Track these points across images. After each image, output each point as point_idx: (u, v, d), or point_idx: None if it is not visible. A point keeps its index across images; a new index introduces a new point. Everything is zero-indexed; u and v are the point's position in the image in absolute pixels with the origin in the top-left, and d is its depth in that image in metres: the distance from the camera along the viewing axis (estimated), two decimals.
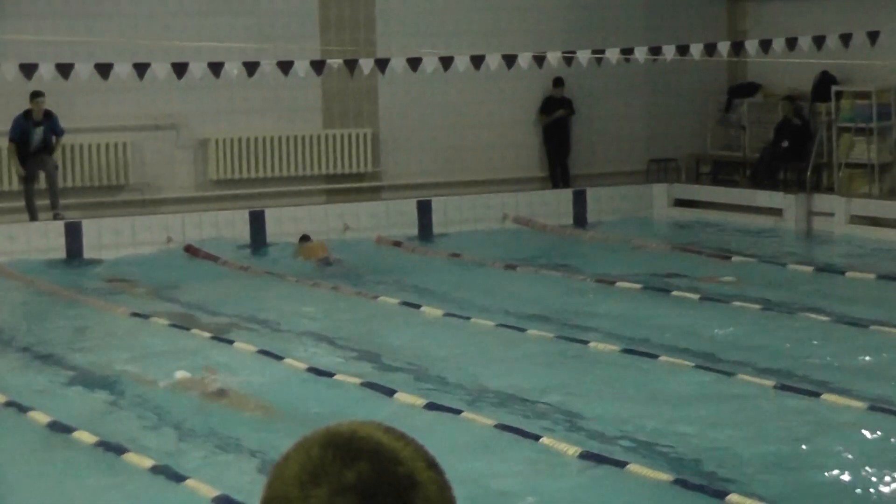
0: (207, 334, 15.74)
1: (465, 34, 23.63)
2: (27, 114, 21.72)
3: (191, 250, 21.71)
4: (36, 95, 21.44)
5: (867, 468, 10.62)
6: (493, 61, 22.15)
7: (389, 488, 1.85)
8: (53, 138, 21.88)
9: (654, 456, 10.90)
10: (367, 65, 22.18)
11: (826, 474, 10.61)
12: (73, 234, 21.66)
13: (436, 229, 23.56)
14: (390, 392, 12.78)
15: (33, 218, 21.92)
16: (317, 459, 1.88)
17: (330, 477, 1.86)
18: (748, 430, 11.72)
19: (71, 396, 13.51)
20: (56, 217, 21.81)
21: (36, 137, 21.82)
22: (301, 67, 21.64)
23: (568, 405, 12.49)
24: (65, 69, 20.22)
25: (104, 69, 20.48)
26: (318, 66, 22.10)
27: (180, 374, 14.21)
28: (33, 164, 21.78)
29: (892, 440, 11.34)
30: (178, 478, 10.45)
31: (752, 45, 23.45)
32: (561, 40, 23.72)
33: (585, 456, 10.81)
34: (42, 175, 21.93)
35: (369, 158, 24.66)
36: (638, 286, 18.29)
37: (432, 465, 1.91)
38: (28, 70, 20.03)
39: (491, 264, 20.42)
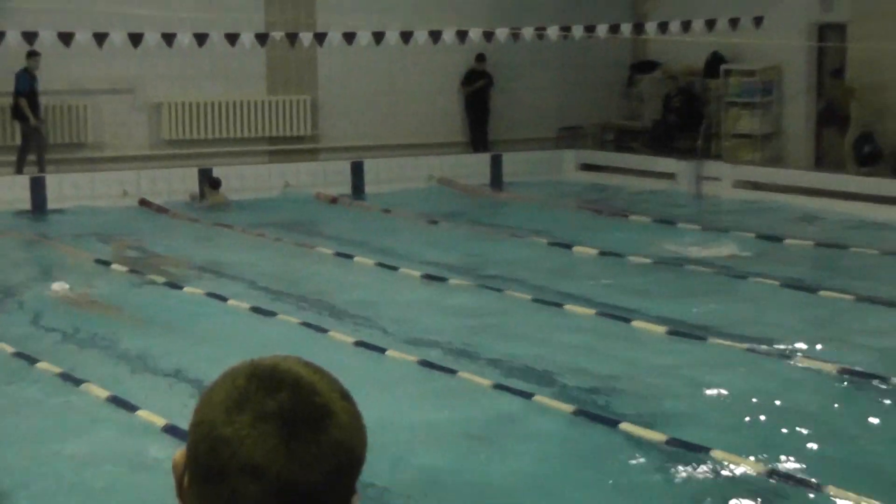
0: (162, 279, 15.69)
1: (396, 11, 23.53)
2: (26, 70, 21.51)
3: (145, 203, 21.62)
4: (34, 54, 21.24)
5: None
6: (421, 37, 22.17)
7: (307, 416, 1.84)
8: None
9: (558, 388, 10.97)
10: (307, 38, 22.14)
11: (690, 402, 10.70)
12: (38, 187, 21.50)
13: (368, 188, 23.56)
14: (324, 331, 12.82)
15: (19, 172, 21.76)
16: (241, 389, 1.87)
17: (253, 405, 1.85)
18: (636, 367, 11.79)
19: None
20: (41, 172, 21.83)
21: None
22: (247, 39, 21.62)
23: (482, 343, 12.53)
24: (30, 36, 20.08)
25: (66, 37, 20.34)
26: (262, 37, 22.07)
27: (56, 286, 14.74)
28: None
29: (766, 376, 11.41)
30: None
31: (651, 27, 23.61)
32: (482, 19, 23.74)
33: (499, 389, 10.89)
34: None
35: (308, 122, 24.61)
36: (545, 240, 18.38)
37: (345, 396, 1.91)
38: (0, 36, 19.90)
39: (417, 219, 20.45)
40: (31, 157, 21.99)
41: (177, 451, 1.94)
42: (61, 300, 14.48)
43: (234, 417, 1.86)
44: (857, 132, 22.56)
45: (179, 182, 22.32)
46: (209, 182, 22.15)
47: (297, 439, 1.84)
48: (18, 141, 22.01)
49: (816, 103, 23.93)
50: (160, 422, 9.81)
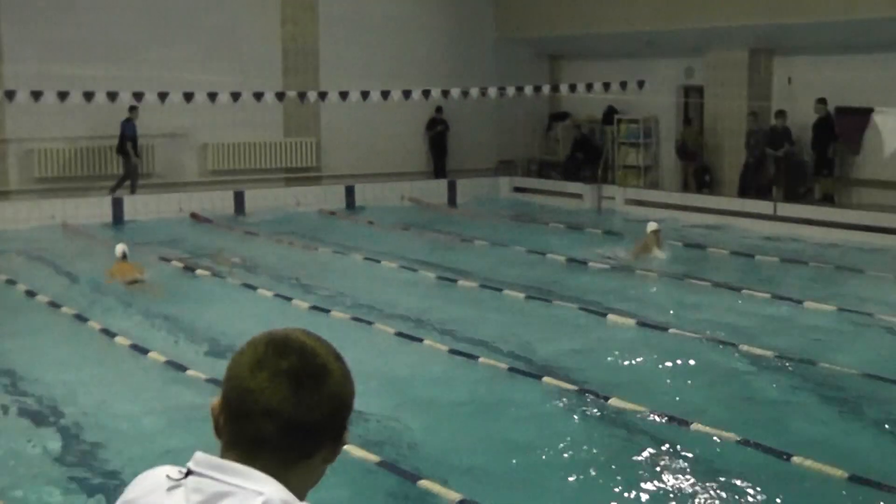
0: (208, 272, 15.61)
1: (378, 76, 23.47)
2: (129, 119, 21.47)
3: (195, 216, 21.52)
4: (134, 108, 21.16)
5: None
6: (396, 94, 22.24)
7: (310, 373, 1.86)
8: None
9: (499, 353, 10.99)
10: (313, 95, 22.17)
11: (592, 359, 10.74)
12: (118, 206, 21.37)
13: (358, 204, 23.52)
14: (328, 311, 12.80)
15: (113, 192, 21.74)
16: (261, 353, 1.88)
17: (270, 364, 1.86)
18: (554, 334, 11.83)
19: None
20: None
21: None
22: (269, 96, 21.65)
23: (444, 320, 12.54)
24: (113, 96, 20.08)
25: (137, 97, 20.36)
26: (280, 95, 22.09)
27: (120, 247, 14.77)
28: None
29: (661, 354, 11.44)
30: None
31: (564, 87, 23.68)
32: (441, 81, 23.73)
33: (452, 352, 10.91)
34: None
35: (314, 157, 24.54)
36: (487, 243, 18.40)
37: (339, 358, 1.92)
38: (89, 97, 19.87)
39: (393, 228, 20.44)
40: (126, 184, 21.88)
41: (213, 398, 1.94)
42: (121, 281, 14.28)
43: (257, 374, 1.87)
44: (699, 165, 23.03)
45: (219, 201, 22.21)
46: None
47: (303, 390, 1.86)
48: (114, 171, 21.99)
49: (674, 143, 24.11)
50: (203, 376, 9.79)
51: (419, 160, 25.76)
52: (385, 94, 22.17)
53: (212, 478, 1.83)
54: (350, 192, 23.71)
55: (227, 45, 23.20)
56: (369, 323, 12.17)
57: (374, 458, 7.58)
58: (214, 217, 21.32)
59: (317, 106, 23.66)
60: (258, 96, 21.41)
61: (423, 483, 7.18)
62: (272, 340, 1.90)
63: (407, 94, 22.35)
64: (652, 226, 16.03)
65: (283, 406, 1.85)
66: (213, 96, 20.89)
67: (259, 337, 1.93)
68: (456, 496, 6.91)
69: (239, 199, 22.44)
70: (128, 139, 21.56)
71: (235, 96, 21.14)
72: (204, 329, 12.18)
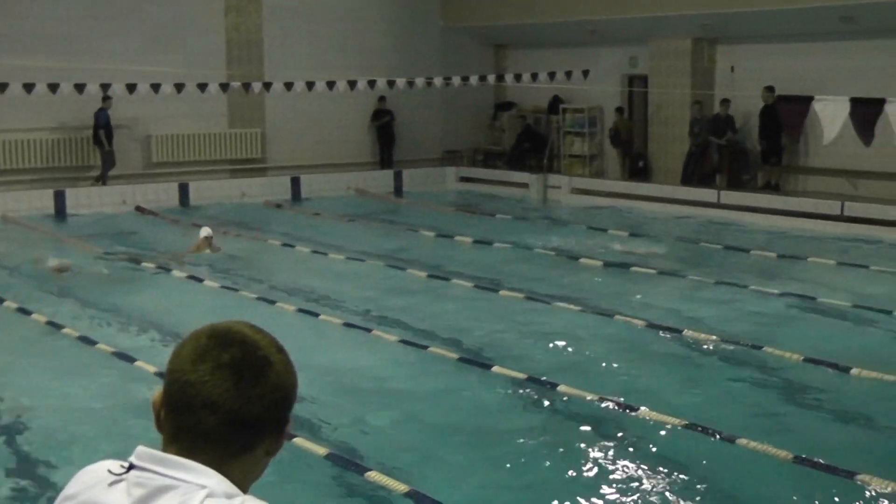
0: (153, 265, 15.47)
1: (323, 66, 23.39)
2: (102, 110, 21.77)
3: (140, 209, 21.31)
4: (107, 98, 21.33)
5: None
6: (342, 85, 22.15)
7: (252, 365, 1.84)
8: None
9: (448, 343, 10.99)
10: (257, 86, 21.99)
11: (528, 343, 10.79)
12: (60, 198, 21.09)
13: (304, 196, 23.41)
14: (273, 302, 12.74)
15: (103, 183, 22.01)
16: (203, 345, 1.86)
17: (212, 357, 1.84)
18: (503, 323, 11.86)
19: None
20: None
21: None
22: (213, 87, 21.42)
23: (392, 311, 12.51)
24: (55, 88, 19.79)
25: (80, 87, 20.10)
26: (224, 86, 21.88)
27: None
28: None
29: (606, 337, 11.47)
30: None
31: (509, 77, 23.71)
32: (386, 71, 23.68)
33: (402, 342, 10.89)
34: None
35: (259, 148, 24.41)
36: (432, 233, 18.40)
37: (281, 350, 1.91)
38: (29, 88, 19.60)
39: (339, 219, 20.37)
40: (95, 174, 22.02)
41: (154, 391, 1.92)
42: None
43: (198, 366, 1.85)
44: (632, 152, 23.31)
45: (164, 193, 22.00)
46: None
47: (245, 383, 1.84)
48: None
49: (608, 132, 24.28)
50: (152, 369, 9.69)
51: (365, 151, 25.69)
52: (330, 85, 22.06)
53: (154, 472, 1.81)
54: (296, 183, 23.58)
55: (171, 35, 22.97)
56: (315, 315, 12.11)
57: (321, 450, 7.55)
58: (159, 210, 21.11)
59: (261, 97, 23.50)
60: (202, 87, 21.22)
61: (371, 475, 7.15)
62: (214, 333, 1.89)
63: (352, 84, 22.27)
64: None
65: (225, 399, 1.83)
66: (156, 87, 20.66)
67: (201, 329, 1.91)
68: (403, 487, 6.90)
69: (184, 190, 22.24)
70: (100, 128, 21.69)
71: (179, 87, 20.93)
72: (148, 320, 12.05)
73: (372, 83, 22.59)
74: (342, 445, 7.87)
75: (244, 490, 1.84)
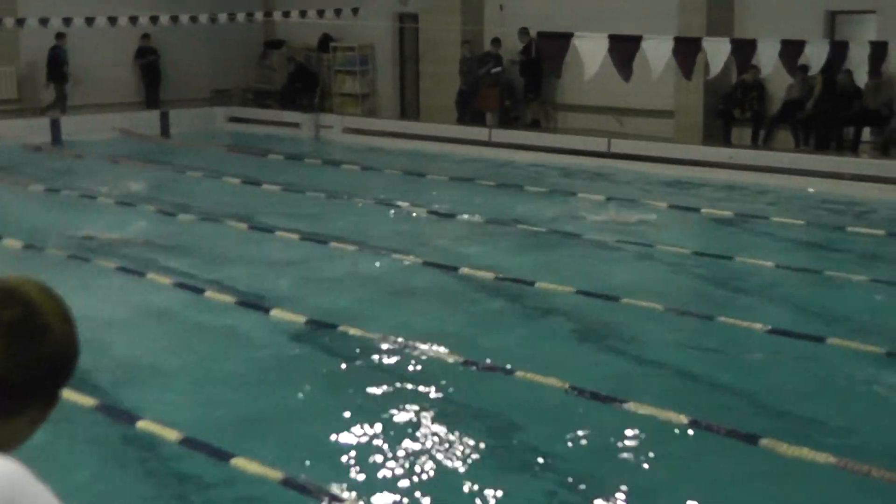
0: None
1: (81, 2, 22.26)
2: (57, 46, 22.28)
3: None
4: (62, 35, 21.91)
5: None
6: (102, 21, 21.27)
7: (28, 330, 1.76)
8: None
9: (225, 287, 10.73)
10: (10, 22, 20.94)
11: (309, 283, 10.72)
12: None
13: (65, 138, 22.39)
14: (42, 249, 12.10)
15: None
16: None
17: None
18: (277, 266, 11.68)
19: None
20: None
21: None
22: None
23: (165, 254, 12.09)
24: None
25: None
26: None
27: None
28: None
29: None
30: None
31: (277, 15, 23.35)
32: (149, 7, 22.80)
33: (177, 286, 10.56)
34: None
35: (15, 89, 23.22)
36: (202, 174, 17.96)
37: (67, 321, 1.81)
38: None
39: (104, 160, 19.61)
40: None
41: None
42: None
43: None
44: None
45: None
46: None
47: (17, 346, 1.75)
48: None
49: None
50: None
51: (130, 91, 24.78)
52: (90, 21, 21.11)
53: None
54: (55, 125, 22.52)
55: None
56: (86, 260, 11.63)
57: (90, 401, 7.26)
58: None
59: (15, 33, 22.24)
60: None
61: (142, 424, 6.94)
62: (0, 287, 1.79)
63: (113, 20, 21.37)
64: None
65: None
66: None
67: None
68: (177, 435, 6.71)
69: None
70: (62, 63, 22.69)
71: None
72: None
73: (134, 20, 21.73)
74: (114, 395, 7.59)
75: (6, 452, 1.74)
